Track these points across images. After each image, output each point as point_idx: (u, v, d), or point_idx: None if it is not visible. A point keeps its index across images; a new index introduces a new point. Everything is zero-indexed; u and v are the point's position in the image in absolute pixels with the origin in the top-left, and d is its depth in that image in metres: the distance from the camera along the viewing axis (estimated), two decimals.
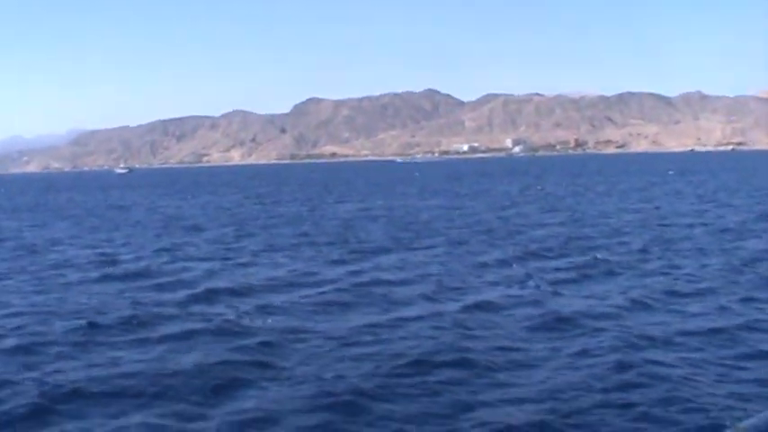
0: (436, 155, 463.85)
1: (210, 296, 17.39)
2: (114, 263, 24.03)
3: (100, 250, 27.69)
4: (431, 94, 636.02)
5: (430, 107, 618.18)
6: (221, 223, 38.79)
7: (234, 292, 17.72)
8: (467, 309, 15.27)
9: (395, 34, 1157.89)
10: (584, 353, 11.87)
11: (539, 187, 68.75)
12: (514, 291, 17.13)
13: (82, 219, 45.99)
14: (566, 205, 44.35)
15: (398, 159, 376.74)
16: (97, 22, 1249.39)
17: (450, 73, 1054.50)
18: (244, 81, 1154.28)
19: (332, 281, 19.16)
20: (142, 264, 23.68)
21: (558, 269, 20.03)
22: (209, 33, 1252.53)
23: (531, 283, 18.08)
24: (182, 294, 17.67)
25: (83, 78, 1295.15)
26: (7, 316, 15.67)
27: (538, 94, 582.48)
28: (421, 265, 21.58)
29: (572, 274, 19.10)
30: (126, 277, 20.68)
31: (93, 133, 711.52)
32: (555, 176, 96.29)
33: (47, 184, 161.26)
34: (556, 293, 16.59)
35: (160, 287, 18.87)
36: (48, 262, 24.79)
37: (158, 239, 31.36)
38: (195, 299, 17.10)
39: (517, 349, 12.27)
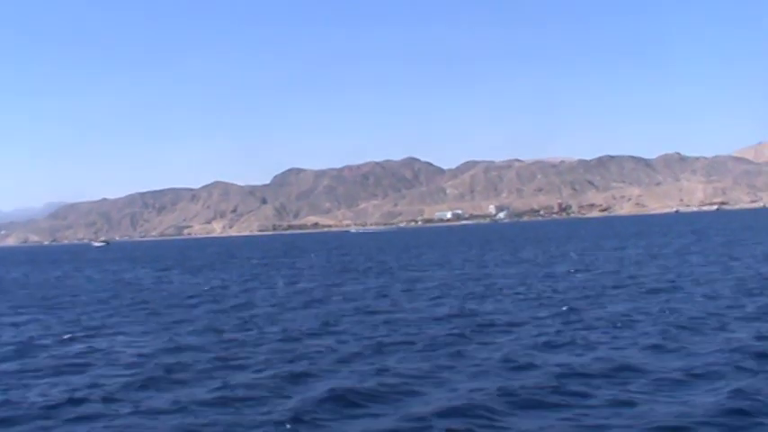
0: (419, 223, 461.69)
1: None
2: None
3: None
4: (411, 162, 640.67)
5: (411, 175, 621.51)
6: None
7: None
8: None
9: (372, 102, 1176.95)
10: None
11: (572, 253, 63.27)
12: None
13: None
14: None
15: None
16: (72, 96, 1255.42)
17: (429, 140, 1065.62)
18: (223, 152, 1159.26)
19: None
20: None
21: None
22: (186, 104, 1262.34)
23: None
24: None
25: (59, 150, 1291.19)
26: None
27: (518, 160, 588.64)
28: None
29: None
30: None
31: (72, 206, 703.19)
32: (585, 242, 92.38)
33: None
34: None
35: None
36: None
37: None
38: None
39: None
